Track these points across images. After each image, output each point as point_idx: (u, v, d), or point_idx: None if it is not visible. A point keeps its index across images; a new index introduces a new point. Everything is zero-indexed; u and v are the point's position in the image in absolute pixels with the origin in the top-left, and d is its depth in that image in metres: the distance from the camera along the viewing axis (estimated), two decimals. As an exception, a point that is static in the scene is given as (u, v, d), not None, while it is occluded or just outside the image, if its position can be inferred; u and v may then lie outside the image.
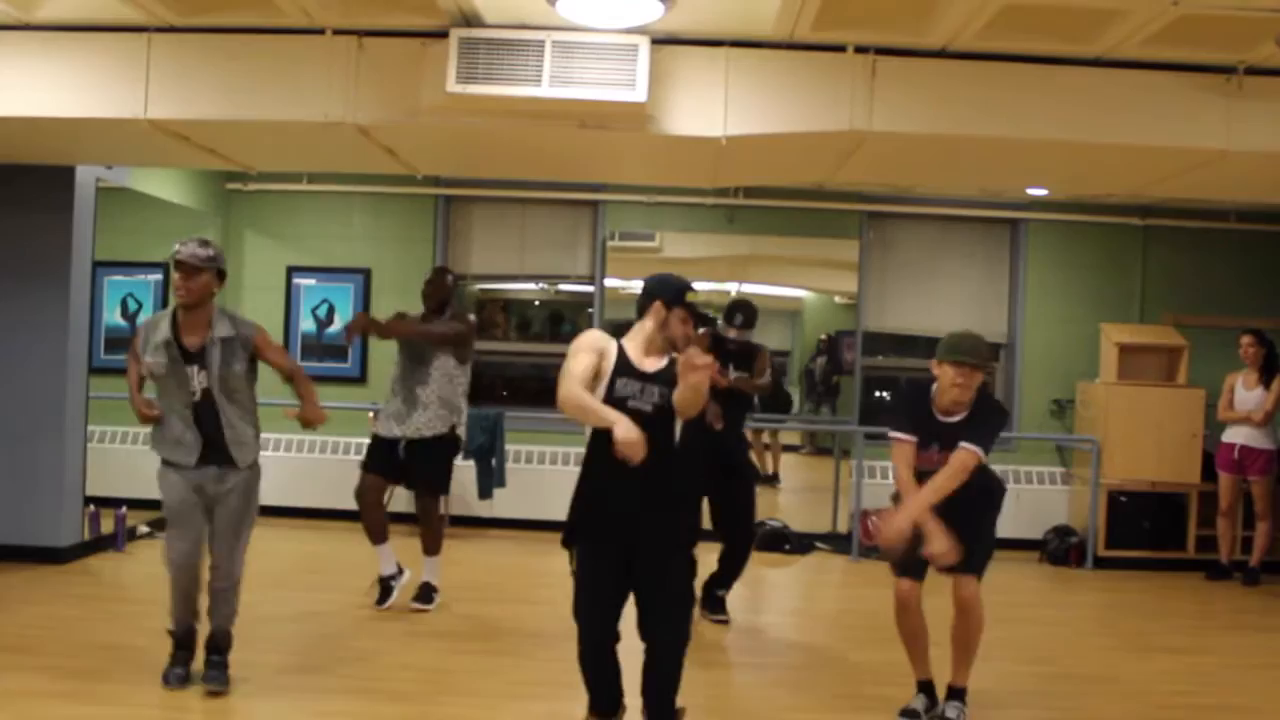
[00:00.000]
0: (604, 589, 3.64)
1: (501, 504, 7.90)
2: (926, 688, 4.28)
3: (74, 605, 5.50)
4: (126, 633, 4.92)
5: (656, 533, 3.61)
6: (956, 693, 4.23)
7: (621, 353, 3.67)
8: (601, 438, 3.53)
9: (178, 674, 4.33)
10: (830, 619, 6.39)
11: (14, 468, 6.35)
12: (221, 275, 4.30)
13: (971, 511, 4.12)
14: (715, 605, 5.78)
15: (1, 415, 6.36)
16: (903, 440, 4.13)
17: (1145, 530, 7.61)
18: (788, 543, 7.83)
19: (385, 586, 5.71)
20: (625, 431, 3.41)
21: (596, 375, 3.62)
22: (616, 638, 3.68)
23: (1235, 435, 7.21)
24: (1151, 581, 7.19)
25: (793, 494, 8.87)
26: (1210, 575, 7.30)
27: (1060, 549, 7.69)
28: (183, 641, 4.40)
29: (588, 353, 3.63)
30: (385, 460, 5.69)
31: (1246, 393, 7.21)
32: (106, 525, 6.79)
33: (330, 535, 7.34)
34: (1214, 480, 7.35)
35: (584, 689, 3.74)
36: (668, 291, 3.71)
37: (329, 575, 6.22)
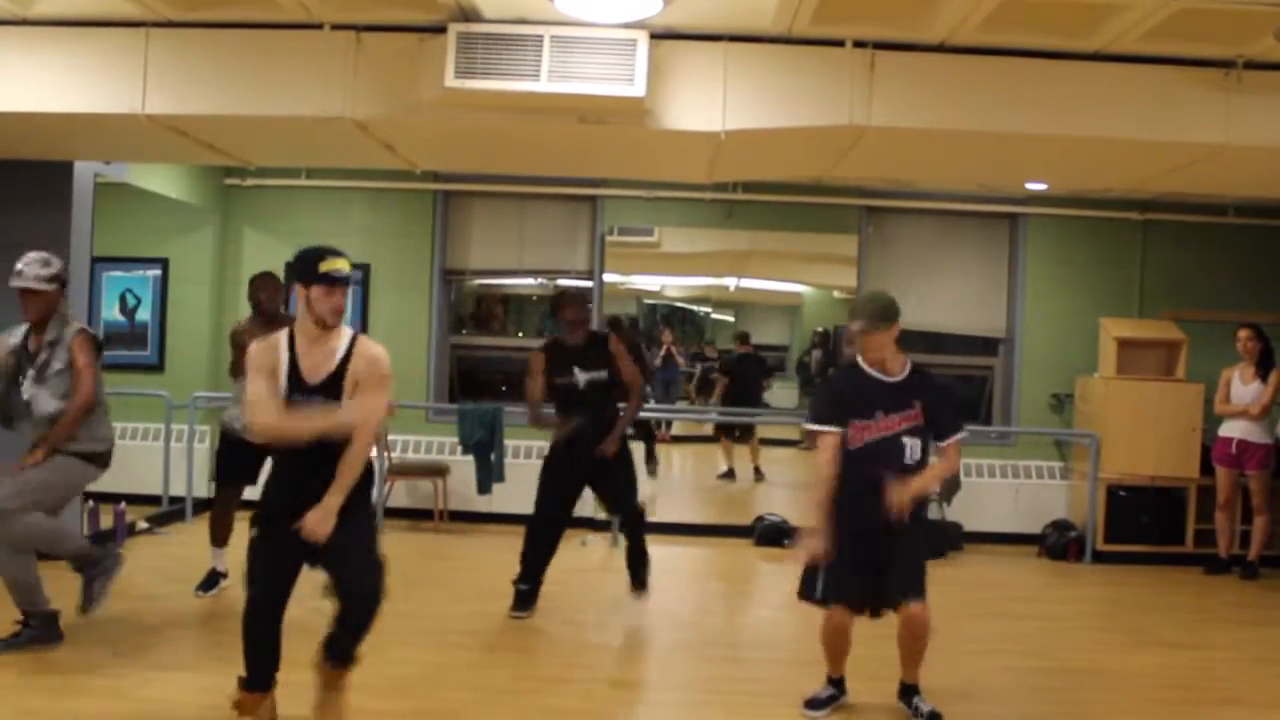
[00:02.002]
0: (277, 564, 3.65)
1: (500, 499, 7.90)
2: (840, 684, 4.38)
3: (72, 601, 5.49)
4: (125, 628, 4.92)
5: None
6: (916, 688, 4.28)
7: (293, 362, 3.59)
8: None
9: None
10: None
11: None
12: (64, 285, 4.49)
13: (910, 534, 4.15)
14: (638, 583, 5.75)
15: None
16: (826, 433, 4.13)
17: (1144, 525, 7.62)
18: (787, 537, 7.83)
19: (215, 579, 5.77)
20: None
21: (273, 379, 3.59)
22: (282, 607, 3.71)
23: (1233, 429, 7.22)
24: (1150, 576, 7.20)
25: (792, 489, 8.88)
26: (1209, 569, 7.31)
27: (1059, 543, 7.69)
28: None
29: (260, 373, 3.55)
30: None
31: (1243, 387, 7.22)
32: (106, 521, 6.78)
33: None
34: (1212, 475, 7.36)
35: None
36: (302, 271, 3.60)
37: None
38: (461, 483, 7.98)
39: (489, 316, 9.05)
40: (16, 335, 4.51)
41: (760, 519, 7.95)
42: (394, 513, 7.97)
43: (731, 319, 9.37)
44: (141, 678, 4.34)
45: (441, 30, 4.59)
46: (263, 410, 3.53)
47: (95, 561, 4.61)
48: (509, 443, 7.96)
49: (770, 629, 5.85)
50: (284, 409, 3.54)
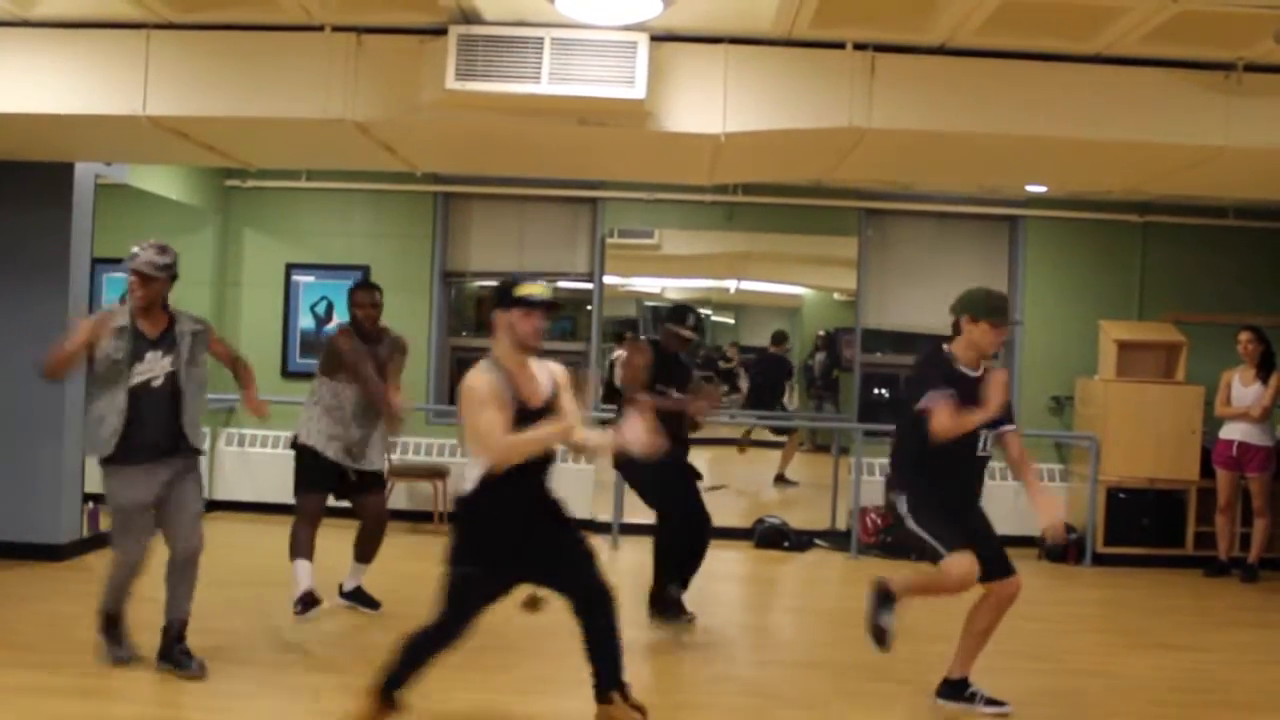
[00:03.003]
0: (489, 601, 3.79)
1: (500, 501, 7.90)
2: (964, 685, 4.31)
3: (72, 602, 5.49)
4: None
5: (549, 543, 3.73)
6: (968, 680, 4.30)
7: (513, 391, 3.62)
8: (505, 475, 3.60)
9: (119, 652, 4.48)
10: (829, 616, 6.40)
11: (13, 465, 6.35)
12: (173, 279, 4.43)
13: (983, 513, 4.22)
14: (672, 608, 5.35)
15: (0, 412, 6.35)
16: (949, 397, 4.04)
17: (1144, 527, 7.62)
18: (787, 540, 7.84)
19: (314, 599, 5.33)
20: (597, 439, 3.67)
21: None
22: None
23: (1233, 432, 7.22)
24: (1150, 578, 7.20)
25: (792, 491, 8.88)
26: (1209, 572, 7.31)
27: (1059, 546, 7.69)
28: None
29: (498, 407, 3.57)
30: (330, 478, 5.46)
31: (1244, 389, 7.22)
32: (105, 522, 6.77)
33: (325, 534, 7.33)
34: (1212, 477, 7.36)
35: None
36: (500, 298, 3.73)
37: (328, 574, 6.21)
38: (462, 484, 7.97)
39: (489, 318, 9.05)
40: (120, 316, 4.37)
41: (760, 521, 7.96)
42: (394, 515, 7.91)
43: (732, 321, 9.37)
44: (140, 679, 4.33)
45: (442, 32, 4.59)
46: (499, 435, 3.53)
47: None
48: (509, 444, 7.95)
49: (771, 631, 5.86)
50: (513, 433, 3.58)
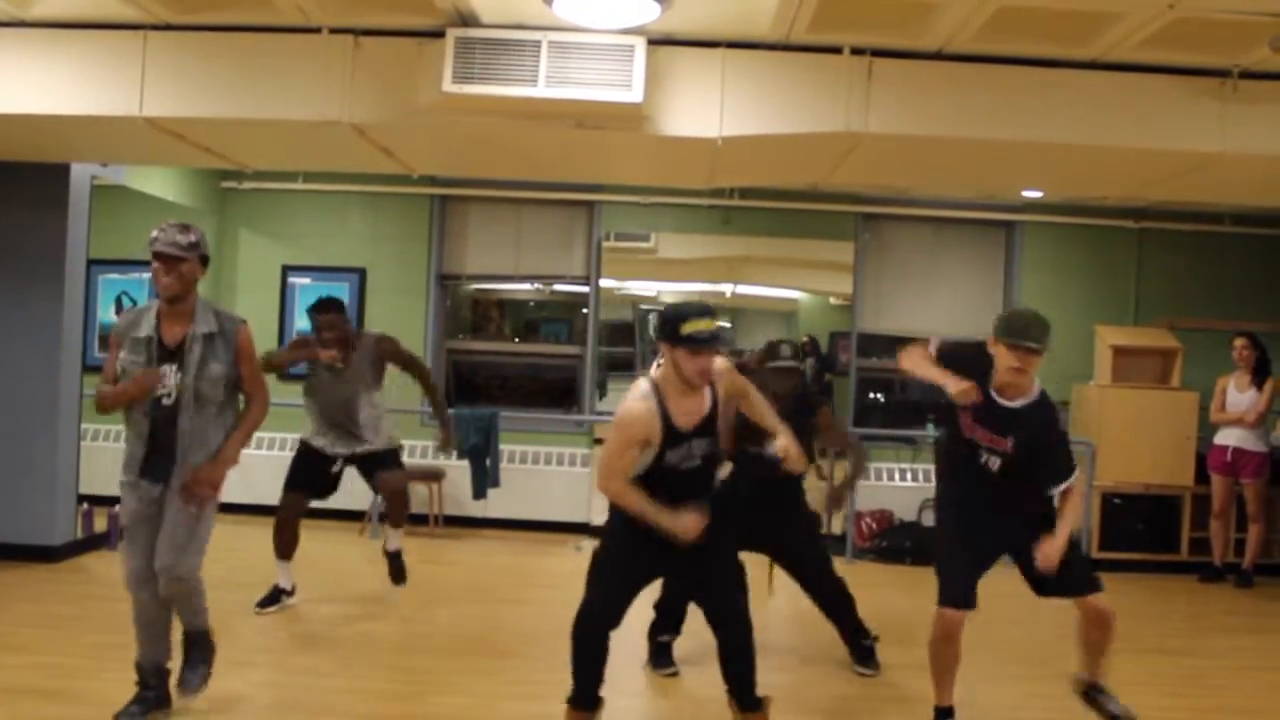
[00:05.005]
0: (626, 588, 3.71)
1: (496, 504, 7.90)
2: (949, 714, 4.06)
3: (67, 603, 5.49)
4: (119, 631, 4.88)
5: (696, 560, 3.67)
6: (1099, 684, 4.19)
7: (666, 418, 3.54)
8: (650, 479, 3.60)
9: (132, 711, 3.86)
10: (825, 620, 6.38)
11: (7, 466, 6.34)
12: (205, 261, 3.82)
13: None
14: (864, 656, 4.96)
15: (-5, 413, 6.34)
16: (926, 346, 4.03)
17: (1139, 532, 7.62)
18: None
19: (277, 595, 5.54)
20: (685, 526, 3.51)
21: (645, 445, 3.57)
22: (617, 622, 3.74)
23: (1228, 438, 7.23)
24: (1145, 584, 7.20)
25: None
26: (1204, 577, 7.31)
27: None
28: (149, 680, 3.93)
29: (632, 446, 3.52)
30: (316, 475, 5.62)
31: (1239, 395, 7.23)
32: (100, 524, 6.78)
33: (324, 535, 7.33)
34: (1207, 482, 7.37)
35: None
36: (667, 332, 3.53)
37: (322, 576, 6.21)
38: (457, 487, 7.97)
39: (485, 321, 9.05)
40: (145, 324, 3.76)
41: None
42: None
43: (728, 325, 9.37)
44: (134, 680, 4.32)
45: (440, 35, 4.59)
46: (615, 477, 3.54)
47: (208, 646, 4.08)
48: (504, 448, 7.95)
49: (765, 636, 5.84)
50: (633, 483, 3.56)
